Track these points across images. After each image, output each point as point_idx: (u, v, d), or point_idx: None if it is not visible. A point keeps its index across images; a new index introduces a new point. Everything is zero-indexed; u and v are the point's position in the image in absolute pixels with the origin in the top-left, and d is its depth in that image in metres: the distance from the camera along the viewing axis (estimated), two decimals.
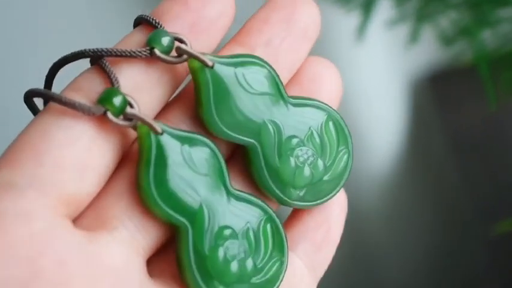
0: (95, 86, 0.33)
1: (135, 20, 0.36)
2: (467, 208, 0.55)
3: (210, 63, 0.34)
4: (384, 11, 0.53)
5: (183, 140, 0.33)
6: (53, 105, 0.33)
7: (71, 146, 0.32)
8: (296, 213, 0.37)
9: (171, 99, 0.36)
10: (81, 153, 0.32)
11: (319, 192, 0.36)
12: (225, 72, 0.34)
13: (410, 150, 0.56)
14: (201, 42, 0.35)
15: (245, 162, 0.35)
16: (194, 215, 0.33)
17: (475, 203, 0.55)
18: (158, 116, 0.35)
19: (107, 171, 0.33)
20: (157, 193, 0.32)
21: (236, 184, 0.35)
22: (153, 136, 0.33)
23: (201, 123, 0.34)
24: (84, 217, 0.33)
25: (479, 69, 0.46)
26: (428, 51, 0.56)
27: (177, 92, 0.36)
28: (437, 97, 0.56)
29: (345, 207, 0.37)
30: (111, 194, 0.34)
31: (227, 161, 0.36)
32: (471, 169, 0.55)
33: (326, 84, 0.38)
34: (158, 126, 0.33)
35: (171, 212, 0.32)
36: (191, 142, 0.33)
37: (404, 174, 0.57)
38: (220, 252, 0.33)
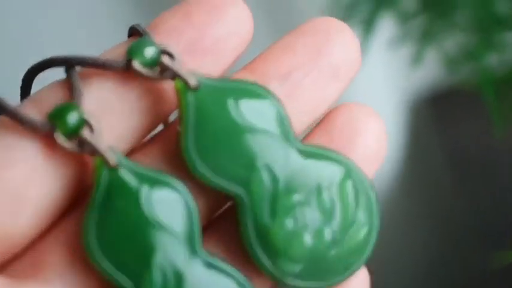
0: (56, 99, 0.27)
1: (129, 30, 0.29)
2: (465, 227, 0.53)
3: (193, 84, 0.26)
4: (386, 29, 0.50)
5: (143, 178, 0.25)
6: (2, 118, 0.26)
7: (6, 170, 0.25)
8: None
9: (158, 130, 0.29)
10: (19, 180, 0.25)
11: (322, 271, 0.27)
12: (213, 97, 0.26)
13: (409, 168, 0.54)
14: (202, 66, 0.28)
15: (235, 220, 0.27)
16: (141, 283, 0.25)
17: (474, 223, 0.53)
18: (136, 150, 0.28)
19: (53, 207, 0.26)
20: (98, 245, 0.25)
21: (221, 249, 0.27)
22: (105, 170, 0.25)
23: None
24: (20, 261, 0.26)
25: (484, 93, 0.45)
26: (430, 71, 0.54)
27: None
28: (438, 117, 0.55)
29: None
30: (56, 237, 0.26)
31: (216, 217, 0.28)
32: (469, 189, 0.54)
33: (363, 139, 0.29)
34: (113, 158, 0.25)
35: (113, 272, 0.25)
36: (154, 182, 0.26)
37: (402, 192, 0.54)
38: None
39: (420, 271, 0.55)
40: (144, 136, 0.28)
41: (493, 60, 0.48)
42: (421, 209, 0.58)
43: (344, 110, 0.30)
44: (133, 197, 0.25)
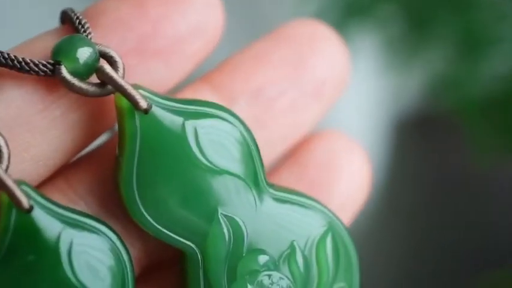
0: None
1: (61, 15, 0.22)
2: (449, 252, 0.53)
3: (143, 105, 0.20)
4: (368, 51, 0.49)
5: (66, 222, 0.19)
6: None
7: None
8: None
9: (85, 152, 0.22)
10: None
11: None
12: (166, 123, 0.20)
13: (393, 189, 0.55)
14: (155, 70, 0.21)
15: (182, 276, 0.21)
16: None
17: (458, 247, 0.53)
18: (58, 175, 0.21)
19: None
20: None
21: None
22: (14, 212, 0.19)
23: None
24: None
25: (463, 121, 0.46)
26: (415, 94, 0.54)
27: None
28: (421, 140, 0.55)
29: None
30: None
31: (157, 265, 0.22)
32: (453, 209, 0.54)
33: (344, 176, 0.24)
34: (24, 197, 0.19)
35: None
36: (77, 227, 0.19)
37: (383, 214, 0.54)
38: None
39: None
40: (69, 157, 0.22)
41: (473, 86, 0.47)
42: (404, 229, 0.56)
43: (323, 140, 0.24)
44: (50, 251, 0.19)
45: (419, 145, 0.57)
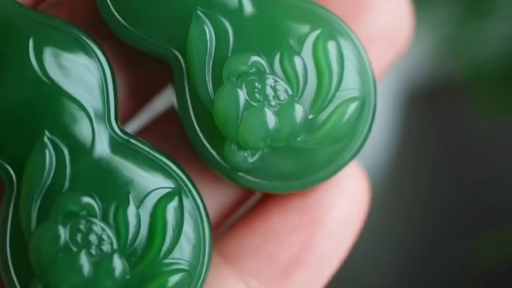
0: None
1: None
2: (455, 214, 0.52)
3: None
4: None
5: (31, 24, 0.18)
6: None
7: None
8: (258, 204, 0.20)
9: None
10: None
11: (290, 164, 0.19)
12: None
13: (400, 161, 0.55)
14: None
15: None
16: (24, 161, 0.18)
17: (465, 208, 0.52)
18: None
19: None
20: None
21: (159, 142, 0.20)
22: None
23: None
24: None
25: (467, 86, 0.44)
26: (420, 67, 0.52)
27: None
28: (430, 111, 0.54)
29: (357, 204, 0.20)
30: None
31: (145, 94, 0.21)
32: (459, 175, 0.53)
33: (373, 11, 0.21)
34: None
35: None
36: (47, 30, 0.18)
37: (393, 185, 0.54)
38: (61, 235, 0.17)
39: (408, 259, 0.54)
40: None
41: (479, 49, 0.44)
42: (412, 194, 0.55)
43: None
44: (18, 46, 0.18)
45: (427, 114, 0.55)
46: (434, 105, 0.54)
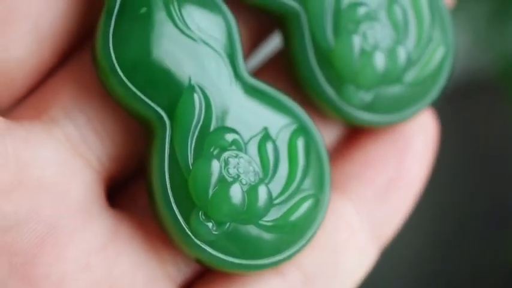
0: None
1: None
2: (479, 213, 0.53)
3: None
4: None
5: None
6: None
7: None
8: (354, 135, 0.23)
9: None
10: None
11: (395, 101, 0.22)
12: None
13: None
14: None
15: (285, 50, 0.22)
16: (175, 105, 0.20)
17: (486, 218, 0.53)
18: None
19: (56, 25, 0.20)
20: (118, 62, 0.19)
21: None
22: None
23: None
24: (23, 105, 0.21)
25: (500, 82, 0.44)
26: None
27: None
28: (458, 110, 0.53)
29: (430, 139, 0.24)
30: (64, 76, 0.21)
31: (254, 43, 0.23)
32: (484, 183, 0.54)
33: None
34: None
35: (138, 96, 0.19)
36: None
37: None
38: (215, 168, 0.19)
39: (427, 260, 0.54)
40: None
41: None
42: (435, 191, 0.57)
43: None
44: (162, 2, 0.20)
45: (457, 112, 0.54)
46: (465, 102, 0.53)
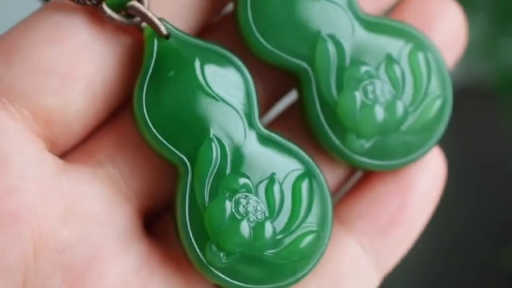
0: None
1: None
2: (474, 231, 0.54)
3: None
4: None
5: (195, 49, 0.23)
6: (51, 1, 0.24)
7: (53, 47, 0.23)
8: (362, 179, 0.26)
9: None
10: (67, 57, 0.23)
11: (394, 148, 0.25)
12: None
13: None
14: None
15: (299, 103, 0.25)
16: (196, 153, 0.23)
17: (484, 227, 0.53)
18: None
19: (105, 86, 0.24)
20: (150, 117, 0.23)
21: (284, 132, 0.25)
22: (156, 39, 0.23)
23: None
24: (77, 149, 0.25)
25: (498, 91, 0.45)
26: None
27: None
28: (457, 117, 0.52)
29: (437, 179, 0.26)
30: (112, 125, 0.25)
31: (272, 99, 0.26)
32: (482, 190, 0.54)
33: (440, 24, 0.26)
34: (162, 26, 0.23)
35: (165, 145, 0.23)
36: (207, 53, 0.24)
37: None
38: (227, 207, 0.23)
39: (426, 268, 0.55)
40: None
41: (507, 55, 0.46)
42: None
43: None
44: (187, 66, 0.23)
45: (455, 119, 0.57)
46: (463, 109, 0.55)
